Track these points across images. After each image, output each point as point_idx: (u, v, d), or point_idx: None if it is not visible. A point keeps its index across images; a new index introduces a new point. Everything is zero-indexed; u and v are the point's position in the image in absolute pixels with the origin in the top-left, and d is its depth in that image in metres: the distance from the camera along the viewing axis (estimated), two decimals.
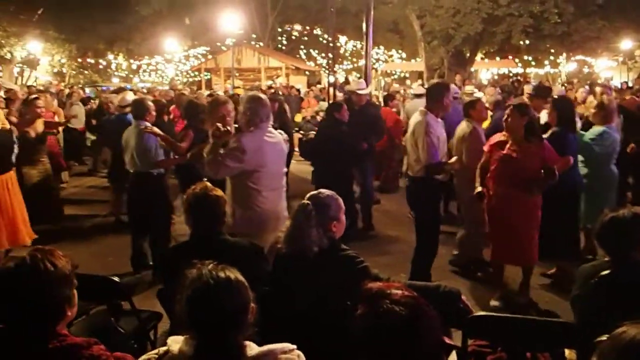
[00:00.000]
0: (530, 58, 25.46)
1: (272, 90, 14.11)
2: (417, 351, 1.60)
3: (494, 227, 4.83)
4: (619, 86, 17.43)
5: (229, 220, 4.24)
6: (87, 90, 20.75)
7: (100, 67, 28.24)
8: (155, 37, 26.81)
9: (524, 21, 16.72)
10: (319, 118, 11.44)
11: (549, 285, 5.29)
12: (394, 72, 29.22)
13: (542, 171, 4.47)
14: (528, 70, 26.95)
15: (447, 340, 1.97)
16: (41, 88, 14.91)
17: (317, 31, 27.62)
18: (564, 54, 24.73)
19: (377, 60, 27.01)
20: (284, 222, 2.99)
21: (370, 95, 8.64)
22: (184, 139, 5.46)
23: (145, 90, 16.63)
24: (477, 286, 5.30)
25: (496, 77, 25.69)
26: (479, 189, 4.80)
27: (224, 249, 2.97)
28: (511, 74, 26.27)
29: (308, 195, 2.93)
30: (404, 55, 28.18)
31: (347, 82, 17.76)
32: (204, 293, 1.77)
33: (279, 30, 30.00)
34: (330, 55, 12.54)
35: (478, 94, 8.56)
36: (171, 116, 8.49)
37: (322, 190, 2.97)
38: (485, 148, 4.93)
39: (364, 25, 9.02)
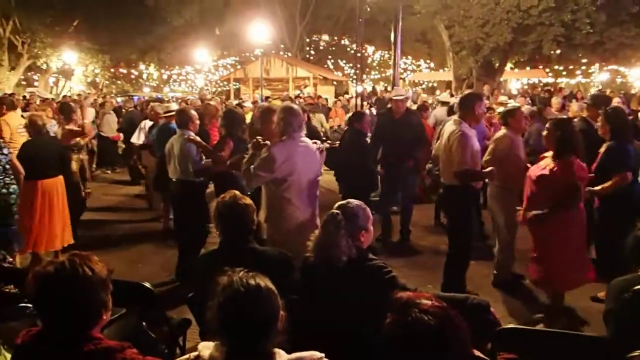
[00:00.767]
0: (561, 68, 25.07)
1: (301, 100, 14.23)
2: None
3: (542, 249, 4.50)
4: None
5: (263, 225, 4.33)
6: (119, 99, 21.19)
7: (132, 77, 28.86)
8: (186, 47, 27.37)
9: (555, 30, 16.49)
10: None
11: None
12: (421, 82, 29.13)
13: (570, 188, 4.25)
14: (559, 80, 26.54)
15: (476, 353, 1.95)
16: (76, 98, 15.28)
17: (345, 41, 27.77)
18: (597, 64, 24.30)
19: (405, 70, 26.99)
20: (314, 231, 3.02)
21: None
22: (224, 148, 5.57)
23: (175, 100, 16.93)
24: (508, 299, 5.20)
25: (526, 87, 25.35)
26: (520, 210, 4.62)
27: (252, 257, 3.00)
28: (541, 84, 25.90)
29: (337, 204, 2.95)
30: (432, 65, 28.10)
31: (374, 92, 17.75)
32: (234, 300, 1.79)
33: (307, 40, 30.26)
34: (358, 65, 12.60)
35: (513, 104, 8.41)
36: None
37: (350, 200, 2.99)
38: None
39: (392, 35, 9.04)
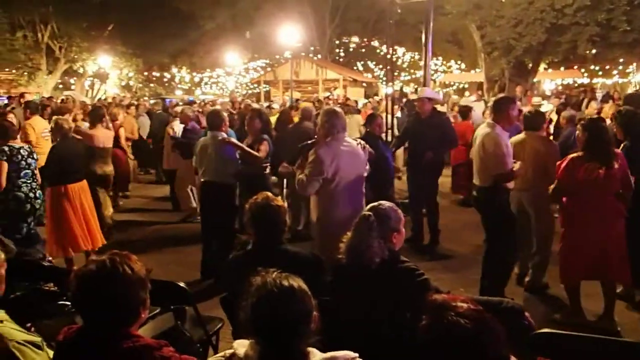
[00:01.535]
0: (597, 67, 24.45)
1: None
2: None
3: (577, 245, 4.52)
4: None
5: (314, 222, 4.45)
6: (152, 102, 21.57)
7: (165, 80, 29.33)
8: (217, 50, 27.70)
9: (591, 30, 16.09)
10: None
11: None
12: (452, 83, 28.82)
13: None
14: (595, 80, 25.88)
15: (512, 358, 1.92)
16: (110, 101, 15.62)
17: (375, 43, 27.67)
18: (634, 63, 23.60)
19: (436, 71, 26.74)
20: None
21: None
22: (260, 149, 5.63)
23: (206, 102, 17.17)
24: (537, 304, 5.09)
25: (560, 88, 24.80)
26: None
27: (285, 258, 3.02)
28: (576, 85, 25.30)
29: (369, 206, 2.96)
30: (462, 66, 27.77)
31: (403, 93, 17.64)
32: (268, 301, 1.81)
33: (337, 42, 30.27)
34: (388, 67, 12.51)
35: (547, 106, 8.28)
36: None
37: (382, 202, 2.99)
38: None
39: (422, 36, 8.97)
